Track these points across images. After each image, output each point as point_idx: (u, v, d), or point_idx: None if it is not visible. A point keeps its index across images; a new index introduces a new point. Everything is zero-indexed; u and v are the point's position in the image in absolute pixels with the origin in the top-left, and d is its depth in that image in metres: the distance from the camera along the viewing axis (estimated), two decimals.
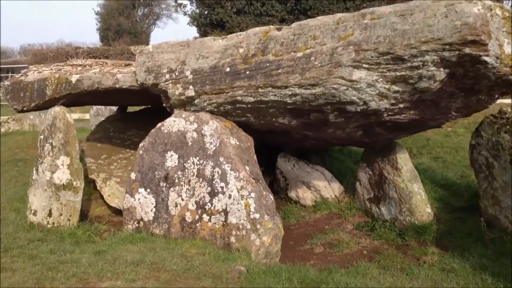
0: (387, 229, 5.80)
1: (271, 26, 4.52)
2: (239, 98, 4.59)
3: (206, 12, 25.35)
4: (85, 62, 6.52)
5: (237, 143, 4.81)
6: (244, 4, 23.84)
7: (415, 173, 5.81)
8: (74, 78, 5.73)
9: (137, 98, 6.18)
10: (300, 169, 6.76)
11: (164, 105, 5.42)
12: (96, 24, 45.79)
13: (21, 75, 6.32)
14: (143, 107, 9.05)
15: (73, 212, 5.86)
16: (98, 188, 6.49)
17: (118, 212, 6.55)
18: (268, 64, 4.35)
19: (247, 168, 4.72)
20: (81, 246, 5.12)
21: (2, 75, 33.05)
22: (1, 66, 35.46)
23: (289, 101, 4.41)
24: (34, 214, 5.76)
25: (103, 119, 11.67)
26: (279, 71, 4.27)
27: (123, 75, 5.40)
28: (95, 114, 12.14)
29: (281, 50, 4.32)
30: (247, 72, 4.47)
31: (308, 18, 18.20)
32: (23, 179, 7.85)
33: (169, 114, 8.29)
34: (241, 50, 4.58)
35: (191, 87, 4.84)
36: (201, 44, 4.90)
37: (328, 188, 6.77)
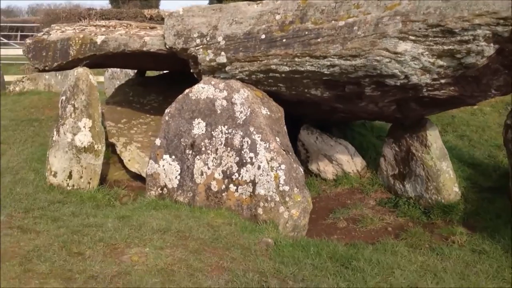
0: (411, 207, 5.70)
1: None
2: (273, 67, 4.44)
3: None
4: (109, 23, 6.35)
5: (268, 113, 4.68)
6: None
7: (444, 151, 5.68)
8: (99, 39, 5.58)
9: (163, 63, 6.04)
10: (323, 142, 6.63)
11: (191, 71, 5.28)
12: None
13: (43, 34, 6.17)
14: (159, 72, 8.93)
15: (93, 176, 5.79)
16: (118, 152, 6.39)
17: (136, 177, 6.48)
18: (306, 33, 4.19)
19: (278, 139, 4.60)
20: (103, 210, 5.05)
21: (11, 33, 32.80)
22: (10, 25, 35.14)
23: (326, 72, 4.26)
24: (54, 175, 5.68)
25: (118, 82, 11.55)
26: (318, 40, 4.11)
27: (151, 38, 5.24)
28: (110, 77, 11.98)
29: (321, 18, 4.15)
30: (284, 40, 4.31)
31: None
32: (39, 139, 7.78)
33: (189, 81, 8.15)
34: (277, 17, 4.41)
35: (223, 53, 4.69)
36: (235, 9, 4.72)
37: (350, 162, 6.65)
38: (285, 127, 4.86)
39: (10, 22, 37.77)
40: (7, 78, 11.93)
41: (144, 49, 5.23)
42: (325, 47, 4.07)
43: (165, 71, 8.63)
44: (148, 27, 6.33)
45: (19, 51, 21.54)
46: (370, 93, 4.53)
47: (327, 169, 6.64)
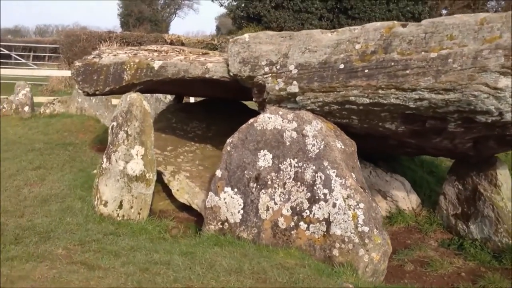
0: (479, 250, 5.38)
1: (395, 22, 4.11)
2: (352, 98, 4.19)
3: (243, 5, 25.05)
4: (161, 48, 6.16)
5: (342, 147, 4.42)
6: None
7: None
8: (156, 64, 5.37)
9: (221, 90, 5.81)
10: (377, 177, 6.35)
11: (254, 100, 5.04)
12: (118, 10, 45.74)
13: (94, 57, 5.97)
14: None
15: (143, 206, 5.53)
16: (166, 181, 6.13)
17: (183, 207, 6.22)
18: (392, 63, 3.95)
19: (353, 175, 4.33)
20: (159, 244, 4.78)
21: (24, 53, 32.94)
22: (23, 45, 35.31)
23: (411, 106, 4.01)
24: (105, 205, 5.42)
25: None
26: (407, 71, 3.87)
27: (214, 65, 5.02)
28: None
29: (408, 48, 3.91)
30: (366, 71, 4.07)
31: (348, 18, 17.84)
32: (77, 164, 7.54)
33: (232, 108, 7.97)
34: (357, 46, 4.18)
35: (295, 82, 4.45)
36: (307, 36, 4.50)
37: (406, 199, 6.37)
38: (358, 163, 4.59)
39: (22, 42, 38.00)
40: (36, 99, 11.78)
41: (207, 76, 5.02)
42: (415, 79, 3.82)
43: (208, 97, 8.43)
44: (200, 53, 6.14)
45: (34, 72, 21.58)
46: (452, 129, 4.26)
47: (381, 206, 6.34)
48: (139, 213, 5.49)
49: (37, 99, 12.02)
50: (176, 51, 6.10)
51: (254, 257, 4.21)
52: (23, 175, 6.68)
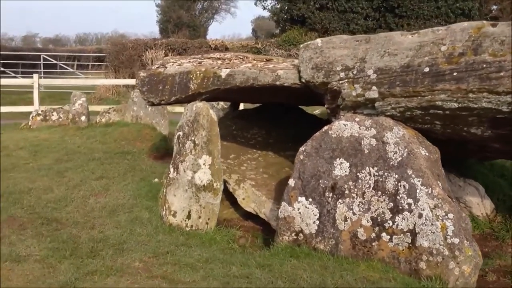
0: None
1: (484, 22, 3.89)
2: (438, 103, 3.98)
3: (286, 7, 24.96)
4: (224, 56, 6.07)
5: (427, 154, 4.21)
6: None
7: None
8: (224, 73, 5.27)
9: (288, 96, 5.68)
10: (450, 182, 6.06)
11: (326, 106, 4.89)
12: (157, 16, 46.37)
13: (158, 67, 5.93)
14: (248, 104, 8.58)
15: (211, 216, 5.44)
16: (231, 190, 6.01)
17: (247, 216, 6.10)
18: (484, 65, 3.72)
19: (439, 183, 4.11)
20: (233, 255, 4.67)
21: (68, 62, 33.63)
22: (65, 54, 36.03)
23: (504, 110, 3.77)
24: (174, 215, 5.35)
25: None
26: (501, 74, 3.64)
27: (285, 72, 4.89)
28: None
29: (501, 49, 3.69)
30: (454, 74, 3.85)
31: (395, 16, 17.49)
32: (138, 173, 7.51)
33: (291, 112, 7.82)
34: (443, 48, 3.97)
35: (374, 87, 4.27)
36: (386, 39, 4.32)
37: (480, 205, 6.07)
38: (443, 170, 4.37)
39: (67, 51, 38.84)
40: (91, 108, 11.92)
41: (277, 83, 4.89)
42: (511, 82, 3.58)
43: (259, 104, 8.32)
44: (264, 59, 6.02)
45: (80, 81, 21.98)
46: None
47: None
48: (207, 223, 5.41)
49: (96, 108, 12.18)
50: (240, 58, 6.00)
51: (335, 270, 4.05)
52: (87, 185, 6.68)
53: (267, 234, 5.67)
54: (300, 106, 8.29)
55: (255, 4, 26.76)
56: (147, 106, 9.89)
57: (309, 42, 4.77)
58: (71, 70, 31.72)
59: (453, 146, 4.88)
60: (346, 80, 4.43)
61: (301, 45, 4.82)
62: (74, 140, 9.65)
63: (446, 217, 3.92)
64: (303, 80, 4.75)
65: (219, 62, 5.87)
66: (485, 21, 3.91)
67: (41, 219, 5.23)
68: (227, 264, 4.26)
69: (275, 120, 7.63)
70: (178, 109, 13.04)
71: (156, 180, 7.09)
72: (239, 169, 6.24)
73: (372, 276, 3.94)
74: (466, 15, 22.72)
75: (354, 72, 4.40)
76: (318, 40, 4.70)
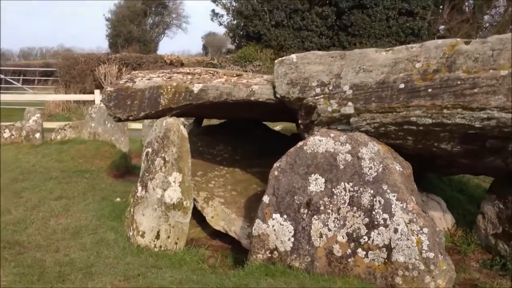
0: None
1: (458, 39, 3.98)
2: (413, 119, 4.04)
3: (242, 24, 25.10)
4: (194, 71, 5.99)
5: (401, 169, 4.25)
6: (283, 17, 23.55)
7: None
8: (196, 88, 5.19)
9: (261, 112, 5.65)
10: None
11: (300, 121, 4.88)
12: (106, 31, 45.86)
13: (127, 81, 5.80)
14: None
15: (180, 235, 5.32)
16: (199, 208, 5.90)
17: (214, 234, 6.01)
18: (459, 82, 3.80)
19: (413, 198, 4.15)
20: (205, 276, 4.56)
21: (15, 77, 32.63)
22: (11, 68, 34.95)
23: (476, 125, 3.86)
24: (142, 236, 5.19)
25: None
26: (475, 90, 3.72)
27: (259, 87, 4.86)
28: (150, 125, 11.59)
29: (475, 66, 3.78)
30: (429, 90, 3.92)
31: (348, 35, 17.89)
32: (98, 193, 7.28)
33: (255, 128, 7.80)
34: (417, 65, 4.04)
35: (350, 103, 4.30)
36: (361, 56, 4.36)
37: (442, 219, 6.19)
38: (415, 185, 4.42)
39: (12, 66, 37.68)
40: (46, 124, 11.55)
41: (252, 98, 4.85)
42: (485, 98, 3.68)
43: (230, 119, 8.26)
44: (235, 75, 5.99)
45: (32, 96, 21.29)
46: None
47: None
48: (176, 243, 5.28)
49: (51, 125, 11.80)
50: (210, 73, 5.94)
51: None
52: (46, 205, 6.43)
53: (237, 253, 5.59)
54: (263, 122, 8.30)
55: (211, 19, 26.81)
56: (106, 122, 9.68)
57: (283, 58, 4.76)
58: (18, 85, 30.75)
59: (423, 161, 4.94)
60: (322, 95, 4.44)
61: (276, 61, 4.81)
62: (29, 158, 9.29)
63: (421, 231, 3.95)
64: (278, 96, 4.74)
65: (189, 77, 5.79)
66: (458, 39, 4.01)
67: (2, 243, 4.96)
68: (201, 286, 4.15)
69: (240, 136, 7.59)
70: (135, 125, 12.83)
71: (118, 199, 6.90)
72: (207, 187, 6.15)
73: None
74: (415, 35, 23.45)
75: (330, 88, 4.41)
76: (293, 56, 4.71)
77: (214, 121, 10.16)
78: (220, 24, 27.09)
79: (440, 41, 4.05)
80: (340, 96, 4.35)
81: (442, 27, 26.41)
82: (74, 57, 25.50)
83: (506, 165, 4.68)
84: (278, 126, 10.69)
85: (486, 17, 28.83)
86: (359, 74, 4.31)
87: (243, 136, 7.59)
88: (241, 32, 25.44)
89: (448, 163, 4.94)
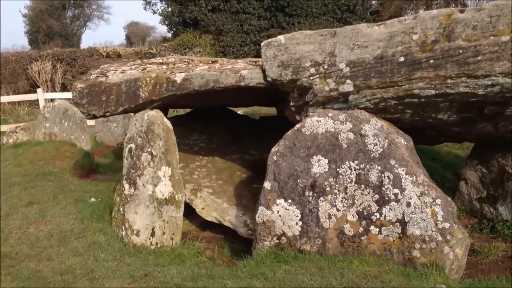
0: None
1: (452, 8, 3.99)
2: (416, 91, 4.03)
3: (178, 10, 24.54)
4: (168, 60, 5.77)
5: (405, 143, 4.24)
6: (219, 1, 23.22)
7: None
8: (178, 77, 4.98)
9: (250, 97, 5.50)
10: None
11: (291, 104, 4.78)
12: (24, 27, 43.96)
13: (98, 76, 5.50)
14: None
15: (175, 230, 5.16)
16: (187, 200, 5.72)
17: (203, 225, 5.90)
18: (461, 51, 3.82)
19: (421, 170, 4.16)
20: (215, 270, 4.44)
21: None
22: None
23: (480, 93, 3.90)
24: (137, 234, 4.99)
25: (114, 125, 10.81)
26: (478, 58, 3.75)
27: (249, 72, 4.71)
28: (104, 120, 11.19)
29: (474, 34, 3.80)
30: (431, 61, 3.92)
31: (286, 16, 17.83)
32: (69, 195, 6.95)
33: (224, 115, 7.65)
34: (414, 37, 4.03)
35: (348, 81, 4.24)
36: (353, 32, 4.31)
37: None
38: (418, 157, 4.44)
39: None
40: None
41: (242, 84, 4.70)
42: (489, 65, 3.71)
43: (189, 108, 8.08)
44: (210, 61, 5.81)
45: None
46: (509, 113, 4.20)
47: None
48: (172, 239, 5.12)
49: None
50: (185, 61, 5.73)
51: (331, 270, 3.96)
52: (20, 213, 6.07)
53: (232, 242, 5.49)
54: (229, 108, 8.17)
55: (144, 9, 26.02)
56: (63, 121, 9.24)
57: (270, 40, 4.64)
58: None
59: (413, 134, 4.96)
60: (318, 75, 4.36)
61: (262, 43, 4.67)
62: None
63: (434, 203, 3.97)
64: (269, 79, 4.62)
65: (164, 67, 5.57)
66: (453, 8, 4.01)
67: None
68: (217, 279, 4.03)
69: (211, 123, 7.42)
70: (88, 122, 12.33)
71: (93, 199, 6.62)
72: (192, 178, 5.97)
73: (370, 271, 3.90)
74: (351, 11, 23.72)
75: (325, 67, 4.34)
76: (281, 37, 4.59)
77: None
78: (154, 12, 26.42)
79: (435, 11, 4.05)
80: (337, 74, 4.28)
81: (374, 2, 26.84)
82: (4, 57, 24.18)
83: (496, 130, 4.78)
84: (239, 111, 10.56)
85: None
86: (354, 51, 4.25)
87: (214, 124, 7.43)
88: (177, 19, 24.89)
89: (439, 133, 5.00)
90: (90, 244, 4.98)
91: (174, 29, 26.19)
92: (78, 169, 8.36)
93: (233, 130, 7.47)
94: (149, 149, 5.02)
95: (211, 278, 4.09)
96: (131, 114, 9.24)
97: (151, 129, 5.06)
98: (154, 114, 5.11)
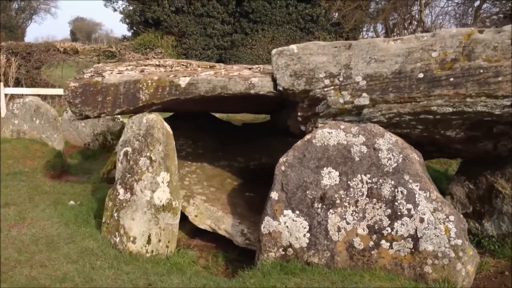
0: (497, 246, 5.50)
1: (472, 28, 4.05)
2: (434, 108, 4.06)
3: (140, 9, 24.10)
4: (165, 63, 5.60)
5: (418, 158, 4.27)
6: (183, 3, 22.96)
7: None
8: (183, 82, 4.84)
9: (258, 105, 5.40)
10: None
11: (299, 114, 4.74)
12: None
13: (93, 76, 5.28)
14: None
15: (171, 238, 5.02)
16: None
17: (192, 233, 5.78)
18: (481, 71, 3.88)
19: (434, 186, 4.19)
20: (216, 279, 4.33)
21: None
22: None
23: (496, 113, 3.97)
24: (133, 241, 4.81)
25: (82, 124, 10.47)
26: (499, 78, 3.82)
27: (259, 80, 4.63)
28: (72, 119, 10.79)
29: (495, 55, 3.87)
30: (451, 79, 3.96)
31: (250, 22, 17.87)
32: (44, 196, 6.64)
33: (205, 120, 7.51)
34: (433, 54, 4.06)
35: (364, 94, 4.23)
36: (369, 46, 4.30)
37: None
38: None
39: None
40: None
41: (252, 91, 4.61)
42: (510, 86, 3.78)
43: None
44: (208, 66, 5.69)
45: None
46: None
47: None
48: (167, 247, 4.97)
49: None
50: (183, 65, 5.59)
51: (345, 284, 3.93)
52: None
53: (226, 251, 5.39)
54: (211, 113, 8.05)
55: (105, 6, 25.42)
56: (34, 118, 8.85)
57: (282, 48, 4.58)
58: None
59: (417, 148, 5.02)
60: (332, 87, 4.33)
61: (273, 51, 4.60)
62: None
63: (447, 219, 4.01)
64: (280, 88, 4.55)
65: (162, 69, 5.42)
66: (473, 28, 4.07)
67: None
68: None
69: (197, 128, 7.28)
70: None
71: (72, 202, 6.37)
72: (183, 184, 5.82)
73: (382, 286, 3.90)
74: (314, 21, 23.99)
75: (340, 79, 4.31)
76: (293, 46, 4.54)
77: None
78: (115, 10, 25.87)
79: (454, 30, 4.10)
80: (353, 87, 4.26)
81: (335, 14, 27.20)
82: None
83: (494, 148, 4.89)
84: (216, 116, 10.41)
85: (372, 3, 30.13)
86: (370, 64, 4.25)
87: (199, 128, 7.30)
88: (139, 18, 24.45)
89: (437, 149, 5.06)
90: (82, 250, 4.76)
91: (134, 28, 25.72)
92: (50, 169, 8.02)
93: (218, 136, 7.36)
94: (148, 154, 4.85)
95: None
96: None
97: (150, 133, 4.90)
98: (154, 117, 4.95)
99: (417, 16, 25.34)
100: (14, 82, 20.36)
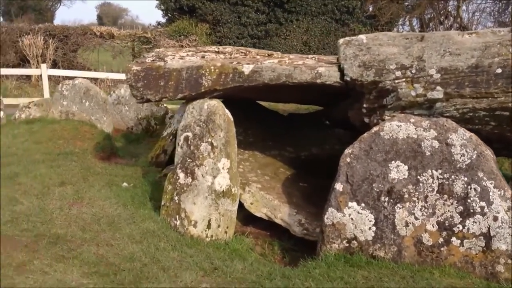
0: None
1: None
2: (511, 104, 3.96)
3: None
4: (224, 49, 5.58)
5: (492, 155, 4.17)
6: None
7: None
8: (246, 69, 4.82)
9: (320, 95, 5.34)
10: None
11: (364, 105, 4.67)
12: None
13: (154, 60, 5.29)
14: None
15: (229, 224, 5.03)
16: None
17: (245, 220, 5.75)
18: None
19: (509, 185, 4.10)
20: (281, 268, 4.32)
21: None
22: None
23: None
24: (195, 225, 4.83)
25: (126, 108, 10.55)
26: None
27: (326, 69, 4.58)
28: (115, 103, 10.89)
29: None
30: None
31: (284, 12, 17.70)
32: (98, 177, 6.67)
33: (252, 108, 7.48)
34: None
35: (438, 87, 4.15)
36: (444, 38, 4.21)
37: None
38: None
39: None
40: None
41: (318, 81, 4.56)
42: None
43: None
44: (266, 54, 5.65)
45: None
46: None
47: None
48: (225, 232, 4.99)
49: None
50: (242, 52, 5.57)
51: (416, 280, 3.87)
52: (56, 193, 5.79)
53: (281, 240, 5.38)
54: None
55: None
56: (83, 100, 8.94)
57: (350, 38, 4.51)
58: None
59: None
60: (404, 79, 4.26)
61: (340, 41, 4.54)
62: None
63: None
64: (348, 78, 4.49)
65: (222, 56, 5.40)
66: None
67: (43, 237, 4.42)
68: (294, 280, 3.92)
69: (246, 116, 7.26)
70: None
71: (125, 184, 6.41)
72: (238, 171, 5.81)
73: (454, 283, 3.83)
74: (350, 13, 23.72)
75: (413, 71, 4.23)
76: (362, 36, 4.47)
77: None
78: None
79: None
80: (426, 80, 4.18)
81: (371, 7, 26.85)
82: None
83: None
84: None
85: None
86: (445, 57, 4.16)
87: (248, 117, 7.28)
88: (174, 5, 24.46)
89: (504, 146, 4.94)
90: (144, 231, 4.79)
91: (169, 14, 25.76)
92: (100, 151, 8.09)
93: (267, 125, 7.33)
94: (209, 139, 4.85)
95: (286, 278, 3.97)
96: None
97: (211, 119, 4.89)
98: (216, 104, 4.94)
99: (453, 12, 24.92)
100: (51, 64, 20.59)
